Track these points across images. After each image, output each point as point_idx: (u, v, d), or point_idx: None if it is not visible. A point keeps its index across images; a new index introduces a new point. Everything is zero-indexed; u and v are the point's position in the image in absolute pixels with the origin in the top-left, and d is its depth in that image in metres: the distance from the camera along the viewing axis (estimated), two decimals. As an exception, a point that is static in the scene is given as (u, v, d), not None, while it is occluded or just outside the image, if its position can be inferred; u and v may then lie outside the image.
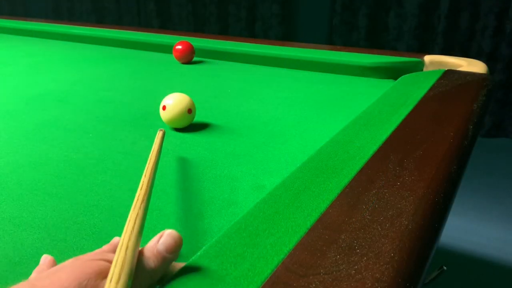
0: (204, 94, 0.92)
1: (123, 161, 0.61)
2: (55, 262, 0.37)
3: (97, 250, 0.34)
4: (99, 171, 0.58)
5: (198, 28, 2.98)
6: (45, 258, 0.38)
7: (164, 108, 0.69)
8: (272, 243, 0.33)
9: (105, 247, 0.36)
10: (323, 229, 0.34)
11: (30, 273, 0.31)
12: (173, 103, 0.69)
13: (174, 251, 0.32)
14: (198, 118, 0.78)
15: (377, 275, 0.28)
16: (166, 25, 3.07)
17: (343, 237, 0.32)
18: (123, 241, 0.31)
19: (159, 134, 0.59)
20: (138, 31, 1.47)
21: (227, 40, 1.30)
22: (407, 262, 0.30)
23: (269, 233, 0.34)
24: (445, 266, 0.72)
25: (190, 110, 0.70)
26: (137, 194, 0.38)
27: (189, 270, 0.31)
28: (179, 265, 0.36)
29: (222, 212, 0.48)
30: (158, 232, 0.44)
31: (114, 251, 0.35)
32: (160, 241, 0.32)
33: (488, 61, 2.29)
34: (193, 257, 0.32)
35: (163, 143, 0.67)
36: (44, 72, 1.11)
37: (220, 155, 0.63)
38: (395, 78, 0.99)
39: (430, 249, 0.33)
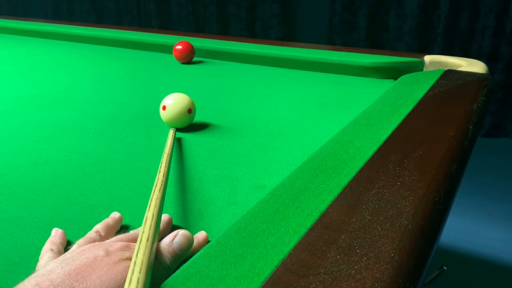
0: (204, 94, 0.92)
1: (123, 161, 0.61)
2: (65, 235, 0.42)
3: (121, 243, 0.35)
4: (99, 171, 0.58)
5: (198, 28, 2.98)
6: (57, 231, 0.42)
7: (164, 108, 0.69)
8: (272, 243, 0.33)
9: (124, 236, 0.38)
10: (323, 229, 0.34)
11: (30, 273, 0.31)
12: (173, 103, 0.69)
13: (187, 249, 0.36)
14: (198, 118, 0.78)
15: (377, 275, 0.28)
16: (166, 25, 3.07)
17: (343, 237, 0.32)
18: (142, 240, 0.32)
19: (170, 133, 0.62)
20: (138, 31, 1.47)
21: (227, 40, 1.30)
22: (407, 262, 0.30)
23: (269, 233, 0.34)
24: (445, 266, 0.72)
25: (190, 110, 0.70)
26: (152, 194, 0.40)
27: (189, 270, 0.31)
28: (199, 238, 0.41)
29: (222, 212, 0.48)
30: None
31: (134, 241, 0.37)
32: (175, 240, 0.36)
33: (488, 61, 2.29)
34: (193, 257, 0.32)
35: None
36: (44, 72, 1.11)
37: (220, 155, 0.63)
38: (395, 78, 0.99)
39: (430, 249, 0.33)
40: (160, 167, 0.48)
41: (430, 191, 0.40)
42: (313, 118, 0.77)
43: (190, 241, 0.37)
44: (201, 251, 0.33)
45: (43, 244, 0.40)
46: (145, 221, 0.35)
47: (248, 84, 1.00)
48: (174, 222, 0.46)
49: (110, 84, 1.01)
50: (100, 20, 3.30)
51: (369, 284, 0.27)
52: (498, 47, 2.28)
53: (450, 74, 0.82)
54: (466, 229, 1.66)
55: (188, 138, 0.69)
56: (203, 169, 0.58)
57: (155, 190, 0.41)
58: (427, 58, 1.03)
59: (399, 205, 0.37)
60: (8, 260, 0.40)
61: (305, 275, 0.28)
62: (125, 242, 0.35)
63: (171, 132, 0.64)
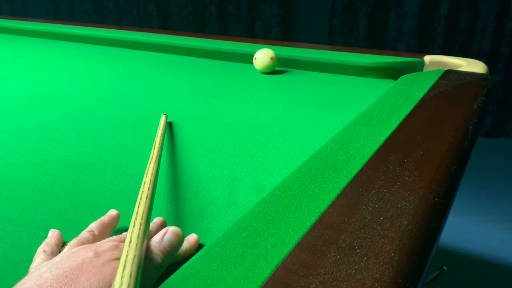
0: (204, 94, 0.92)
1: (123, 161, 0.61)
2: (62, 235, 0.41)
3: (111, 243, 0.34)
4: (99, 171, 0.58)
5: (198, 28, 2.98)
6: (53, 232, 0.42)
7: (272, 58, 1.03)
8: (272, 243, 0.33)
9: (115, 237, 0.37)
10: (323, 229, 0.34)
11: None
12: (262, 56, 1.03)
13: (177, 246, 0.36)
14: (198, 118, 0.78)
15: (377, 275, 0.28)
16: (166, 25, 3.07)
17: (343, 237, 0.32)
18: (131, 239, 0.32)
19: (162, 119, 0.67)
20: (138, 31, 1.47)
21: (227, 40, 1.30)
22: (407, 262, 0.30)
23: (269, 233, 0.34)
24: (445, 266, 0.72)
25: (272, 58, 1.03)
26: (140, 192, 0.40)
27: (189, 270, 0.31)
28: (191, 240, 0.40)
29: (222, 212, 0.48)
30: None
31: (123, 241, 0.36)
32: (165, 237, 0.36)
33: (488, 61, 2.29)
34: (193, 257, 0.32)
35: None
36: (44, 72, 1.11)
37: (220, 155, 0.63)
38: (395, 78, 0.99)
39: (430, 249, 0.33)
40: (148, 168, 0.46)
41: (430, 191, 0.40)
42: (313, 118, 0.77)
43: (181, 237, 0.36)
44: (201, 251, 0.33)
45: (43, 244, 0.40)
46: (134, 220, 0.35)
47: (248, 84, 1.00)
48: (174, 222, 0.46)
49: (110, 84, 1.01)
50: (100, 20, 3.30)
51: (369, 284, 0.27)
52: (498, 47, 2.28)
53: (450, 74, 0.82)
54: (466, 229, 1.66)
55: (188, 138, 0.69)
56: (203, 169, 0.58)
57: (144, 187, 0.40)
58: (427, 58, 1.03)
59: (399, 205, 0.37)
60: (8, 260, 0.40)
61: (305, 275, 0.28)
62: (115, 242, 0.35)
63: (162, 118, 0.69)
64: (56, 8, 3.44)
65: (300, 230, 0.34)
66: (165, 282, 0.30)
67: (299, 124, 0.75)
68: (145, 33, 1.43)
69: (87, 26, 1.59)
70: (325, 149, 0.51)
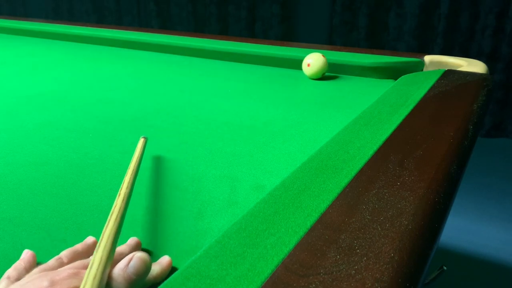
0: (204, 94, 0.92)
1: (123, 161, 0.61)
2: (35, 258, 0.38)
3: (70, 271, 0.32)
4: (99, 171, 0.58)
5: (198, 28, 2.98)
6: (26, 254, 0.38)
7: (308, 65, 0.99)
8: (272, 243, 0.33)
9: (79, 263, 0.35)
10: (323, 229, 0.34)
11: (30, 273, 0.31)
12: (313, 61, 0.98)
13: (144, 273, 0.33)
14: (198, 118, 0.78)
15: (377, 275, 0.28)
16: (166, 25, 3.07)
17: (343, 237, 0.32)
18: (92, 267, 0.30)
19: (140, 142, 0.57)
20: (138, 31, 1.47)
21: (227, 40, 1.30)
22: (407, 262, 0.30)
23: (269, 233, 0.34)
24: (445, 266, 0.72)
25: (308, 64, 0.98)
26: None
27: (189, 270, 0.31)
28: (163, 263, 0.37)
29: (222, 212, 0.48)
30: (159, 232, 0.44)
31: (86, 268, 0.34)
32: (131, 264, 0.33)
33: (488, 61, 2.29)
34: (193, 257, 0.32)
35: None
36: (44, 72, 1.11)
37: (220, 155, 0.63)
38: (395, 78, 0.99)
39: (430, 249, 0.33)
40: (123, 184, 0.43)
41: (430, 191, 0.40)
42: (313, 118, 0.77)
43: (147, 264, 0.33)
44: (201, 251, 0.33)
45: (43, 244, 0.40)
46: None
47: (248, 84, 1.00)
48: (174, 222, 0.46)
49: (110, 84, 1.01)
50: (100, 20, 3.30)
51: (369, 284, 0.27)
52: (498, 47, 2.28)
53: (450, 74, 0.82)
54: (466, 229, 1.66)
55: (188, 138, 0.69)
56: (203, 169, 0.58)
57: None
58: (427, 58, 1.03)
59: (399, 205, 0.37)
60: (8, 260, 0.40)
61: (305, 275, 0.28)
62: (75, 270, 0.33)
63: (140, 143, 0.57)
64: (56, 8, 3.44)
65: (300, 230, 0.34)
66: (165, 282, 0.30)
67: (299, 124, 0.75)
68: (145, 33, 1.43)
69: (87, 26, 1.59)
70: (325, 149, 0.51)
